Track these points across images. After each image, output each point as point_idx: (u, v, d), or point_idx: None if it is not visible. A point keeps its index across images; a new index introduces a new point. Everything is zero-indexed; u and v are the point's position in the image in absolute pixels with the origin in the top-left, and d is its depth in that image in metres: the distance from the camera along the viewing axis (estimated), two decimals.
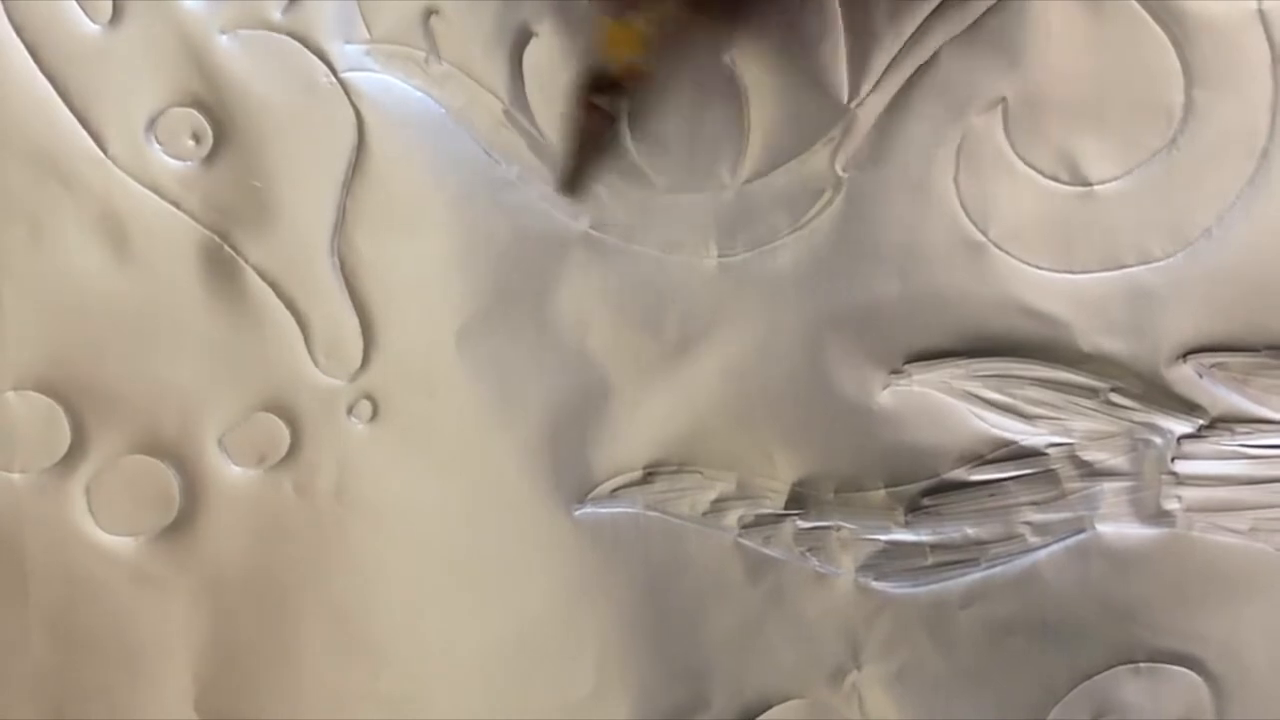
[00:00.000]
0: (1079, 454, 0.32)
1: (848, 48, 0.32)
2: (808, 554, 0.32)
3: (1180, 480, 0.32)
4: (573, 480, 0.32)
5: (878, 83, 0.32)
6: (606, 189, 0.32)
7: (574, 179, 0.31)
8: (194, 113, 0.31)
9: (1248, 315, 0.32)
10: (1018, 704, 0.33)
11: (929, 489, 0.32)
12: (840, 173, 0.32)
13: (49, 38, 0.31)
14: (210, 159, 0.31)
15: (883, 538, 0.32)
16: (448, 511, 0.32)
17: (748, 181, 0.32)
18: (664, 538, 0.32)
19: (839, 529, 0.32)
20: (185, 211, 0.31)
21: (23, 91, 0.31)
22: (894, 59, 0.32)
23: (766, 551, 0.32)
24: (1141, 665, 0.33)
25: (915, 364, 0.32)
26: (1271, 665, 0.33)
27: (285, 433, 0.32)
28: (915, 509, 0.32)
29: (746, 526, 0.32)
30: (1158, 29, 0.32)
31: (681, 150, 0.32)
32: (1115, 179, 0.32)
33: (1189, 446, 0.32)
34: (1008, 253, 0.32)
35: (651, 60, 0.29)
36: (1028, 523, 0.32)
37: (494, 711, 0.32)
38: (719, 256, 0.32)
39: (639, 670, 0.32)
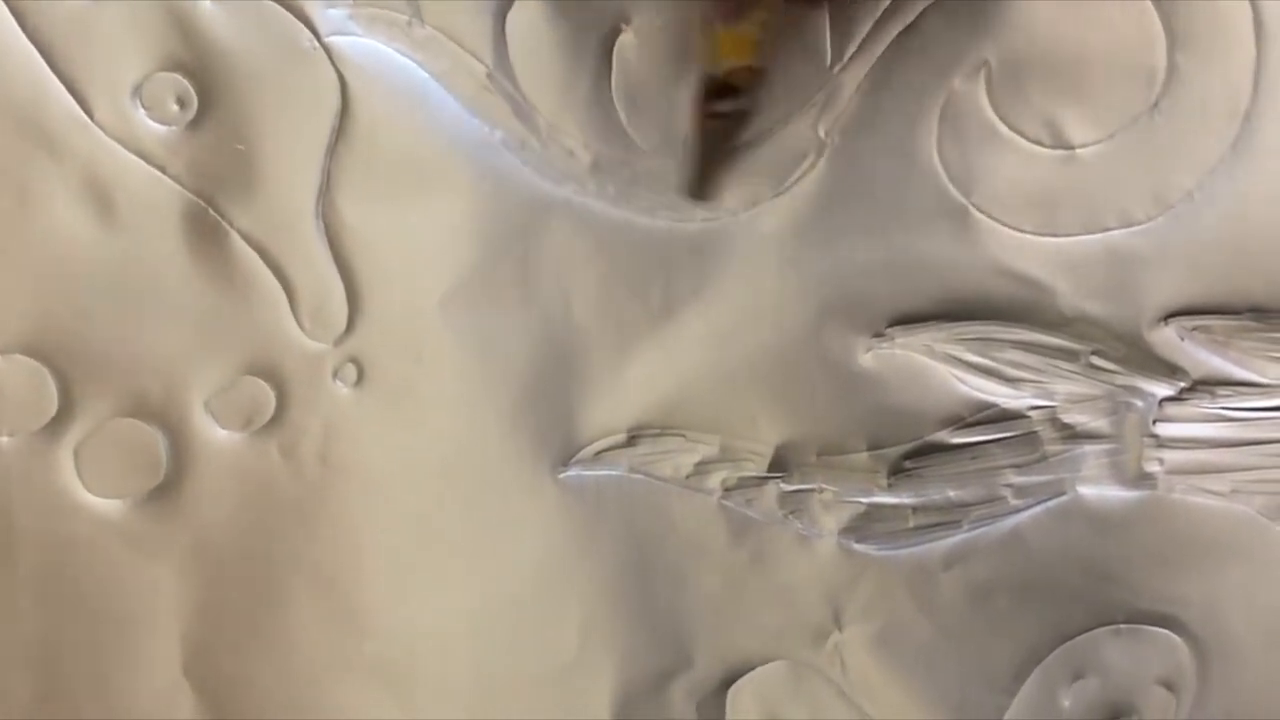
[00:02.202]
0: (1060, 417, 0.33)
1: (830, 13, 0.32)
2: (790, 516, 0.32)
3: (1161, 443, 0.33)
4: (557, 443, 0.32)
5: (860, 47, 0.32)
6: (590, 154, 0.32)
7: (705, 185, 0.31)
8: (178, 77, 0.31)
9: (1229, 278, 0.32)
10: (999, 665, 0.33)
11: (911, 452, 0.33)
12: (823, 137, 0.32)
13: (35, 3, 0.31)
14: (195, 123, 0.31)
15: (865, 500, 0.32)
16: (432, 475, 0.32)
17: (735, 145, 0.32)
18: (647, 500, 0.32)
19: (821, 491, 0.32)
20: (170, 176, 0.31)
21: (8, 57, 0.31)
22: (876, 23, 0.32)
23: (749, 514, 0.33)
24: (1122, 626, 0.33)
25: (898, 327, 0.32)
26: (1251, 626, 0.33)
27: (271, 396, 0.32)
28: (897, 472, 0.32)
29: (729, 489, 0.32)
30: None
31: (665, 114, 0.32)
32: (1097, 142, 0.32)
33: (1170, 409, 0.32)
34: (990, 216, 0.32)
35: (763, 58, 0.29)
36: (1009, 485, 0.32)
37: (479, 673, 0.32)
38: (703, 221, 0.32)
39: (622, 632, 0.32)
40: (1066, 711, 0.33)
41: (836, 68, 0.32)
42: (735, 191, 0.32)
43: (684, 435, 0.32)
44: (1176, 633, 0.33)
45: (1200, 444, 0.32)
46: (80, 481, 0.31)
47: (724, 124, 0.30)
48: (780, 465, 0.32)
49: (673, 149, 0.31)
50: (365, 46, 0.31)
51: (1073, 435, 0.32)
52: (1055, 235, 0.32)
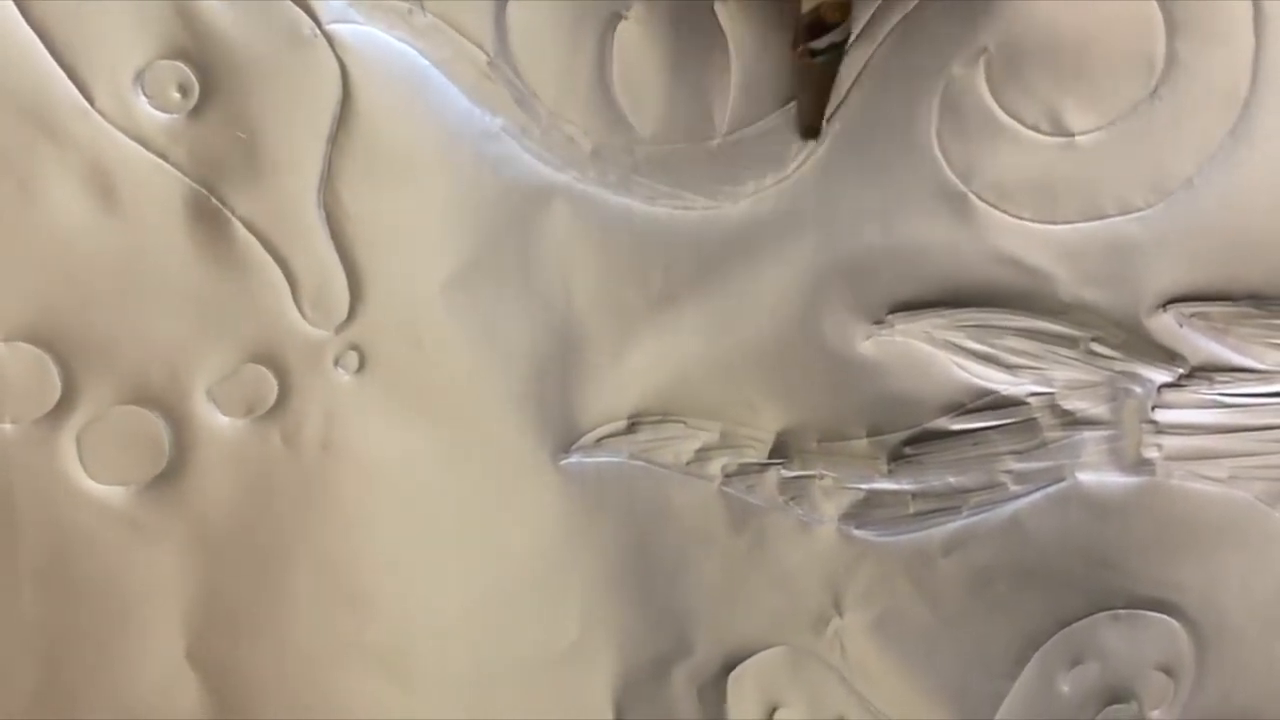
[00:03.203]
0: (1060, 403, 0.33)
1: None
2: (791, 503, 0.33)
3: (1160, 429, 0.33)
4: (558, 430, 0.32)
5: (860, 34, 0.32)
6: (591, 141, 0.32)
7: (813, 122, 0.31)
8: (180, 65, 0.31)
9: (1228, 265, 0.33)
10: (998, 650, 0.33)
11: (911, 438, 0.33)
12: (823, 124, 0.32)
13: None
14: (197, 111, 0.31)
15: (865, 486, 0.33)
16: (433, 461, 0.32)
17: (732, 133, 0.32)
18: (648, 487, 0.33)
19: (822, 478, 0.32)
20: (172, 164, 0.31)
21: (10, 44, 0.31)
22: (877, 11, 0.32)
23: (750, 500, 0.33)
24: (1121, 612, 0.33)
25: (898, 314, 0.32)
26: (1249, 611, 0.33)
27: (273, 383, 0.32)
28: (897, 458, 0.33)
29: (730, 475, 0.32)
30: None
31: (666, 101, 0.32)
32: (1097, 130, 0.32)
33: (1169, 395, 0.33)
34: (989, 203, 0.32)
35: None
36: (1009, 471, 0.33)
37: (479, 658, 0.33)
38: (704, 208, 0.32)
39: (623, 617, 0.33)
40: (1065, 696, 0.33)
41: None
42: (734, 180, 0.32)
43: (685, 422, 0.32)
44: (1175, 618, 0.33)
45: (1199, 430, 0.33)
46: (83, 468, 0.31)
47: (823, 59, 0.30)
48: (781, 452, 0.33)
49: (672, 134, 0.31)
50: (366, 34, 0.31)
51: (1072, 421, 0.33)
52: (1054, 222, 0.32)
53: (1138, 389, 0.32)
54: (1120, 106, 0.32)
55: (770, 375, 0.33)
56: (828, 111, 0.32)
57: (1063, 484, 0.33)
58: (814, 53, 0.29)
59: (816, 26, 0.29)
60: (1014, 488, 0.33)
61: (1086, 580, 0.33)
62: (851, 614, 0.33)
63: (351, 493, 0.32)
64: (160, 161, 0.31)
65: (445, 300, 0.32)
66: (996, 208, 0.32)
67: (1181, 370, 0.32)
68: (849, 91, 0.32)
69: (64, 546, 0.32)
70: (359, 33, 0.31)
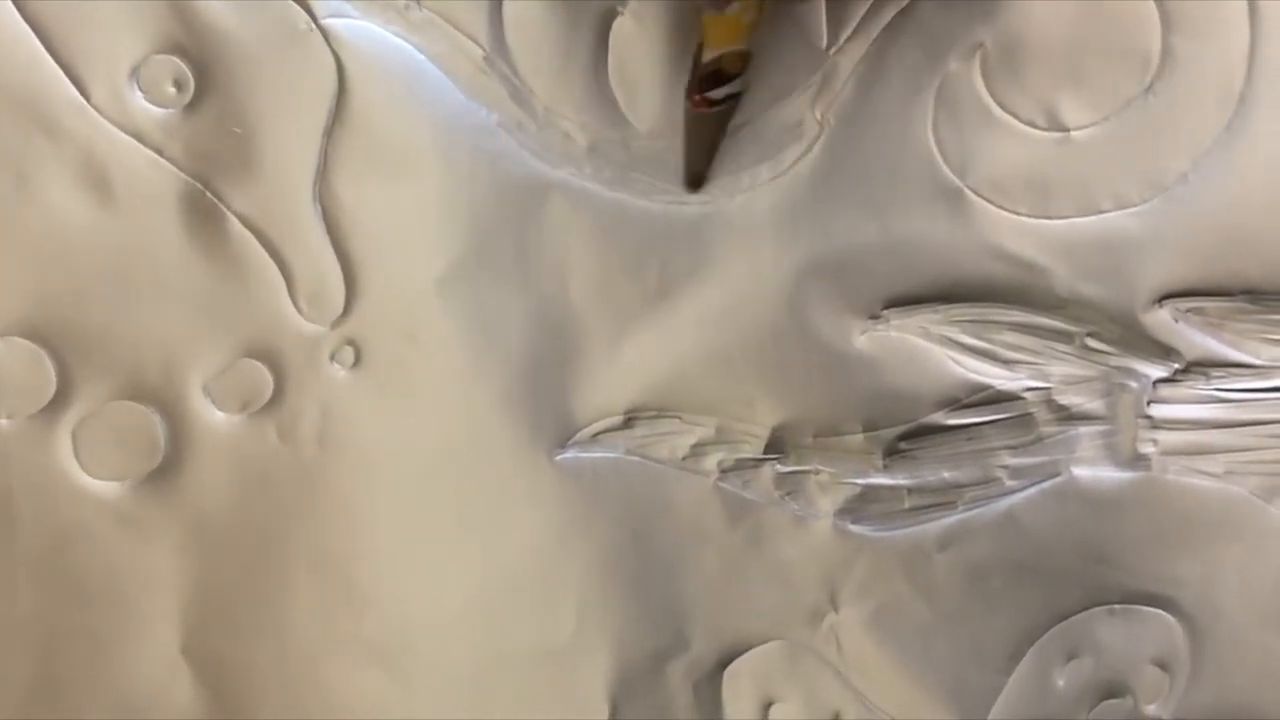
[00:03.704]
0: (1055, 398, 0.33)
1: None
2: (786, 498, 0.33)
3: (1156, 424, 0.33)
4: (554, 425, 0.32)
5: (856, 29, 0.32)
6: (587, 137, 0.32)
7: (699, 172, 0.32)
8: (176, 60, 0.31)
9: (1224, 260, 0.33)
10: (994, 645, 0.33)
11: (907, 433, 0.33)
12: (819, 120, 0.32)
13: None
14: (192, 106, 0.31)
15: (861, 481, 0.33)
16: (429, 457, 0.32)
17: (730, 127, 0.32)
18: (644, 482, 0.33)
19: (817, 473, 0.32)
20: (168, 159, 0.31)
21: (5, 40, 0.31)
22: (872, 6, 0.32)
23: (746, 495, 0.33)
24: (1116, 607, 0.33)
25: (893, 309, 0.32)
26: (1245, 606, 0.33)
27: (268, 379, 0.32)
28: (893, 453, 0.33)
29: (726, 471, 0.33)
30: None
31: (662, 97, 0.32)
32: (1092, 125, 0.32)
33: (1164, 390, 0.33)
34: (985, 199, 0.32)
35: (753, 42, 0.29)
36: (1004, 466, 0.33)
37: (476, 652, 0.33)
38: (699, 203, 0.32)
39: (619, 612, 0.33)
40: (1061, 691, 0.33)
41: (832, 50, 0.32)
42: (731, 175, 0.32)
43: (680, 417, 0.32)
44: (1170, 613, 0.33)
45: (1194, 425, 0.33)
46: (78, 464, 0.31)
47: (719, 110, 0.30)
48: (776, 447, 0.33)
49: (670, 134, 0.31)
50: (362, 29, 0.31)
51: (1068, 416, 0.33)
52: (1050, 218, 0.32)
53: (1133, 384, 0.33)
54: (1116, 102, 0.32)
55: (766, 370, 0.33)
56: (717, 163, 0.32)
57: (1058, 479, 0.33)
58: (710, 102, 0.30)
59: (716, 76, 0.29)
60: (1009, 483, 0.33)
61: (1082, 575, 0.33)
62: (847, 609, 0.33)
63: (347, 488, 0.32)
64: (156, 156, 0.31)
65: (441, 295, 0.32)
66: (992, 203, 0.32)
67: (1177, 365, 0.33)
68: (844, 86, 0.32)
69: (59, 541, 0.32)
70: (354, 27, 0.31)
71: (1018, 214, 0.32)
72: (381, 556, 0.32)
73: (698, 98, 0.30)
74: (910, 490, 0.33)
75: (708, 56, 0.29)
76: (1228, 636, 0.33)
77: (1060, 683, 0.33)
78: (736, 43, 0.29)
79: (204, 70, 0.31)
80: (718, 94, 0.30)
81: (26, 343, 0.31)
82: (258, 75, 0.31)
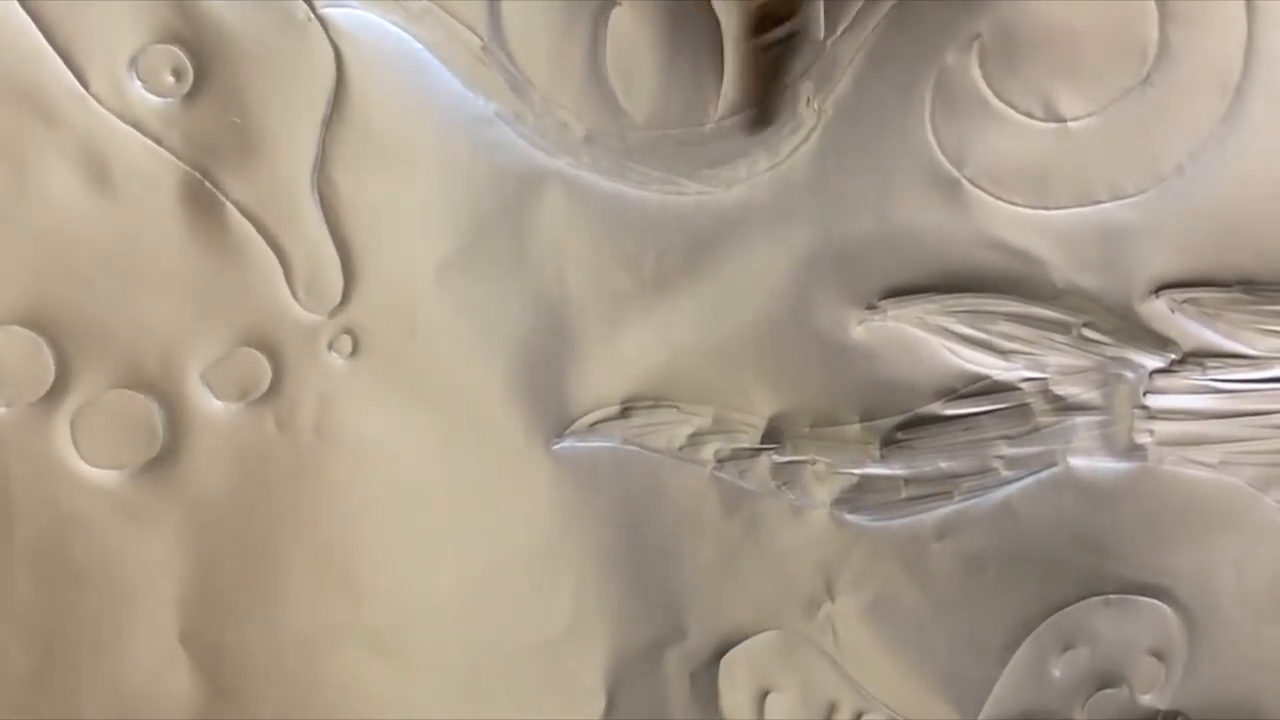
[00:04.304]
0: (1052, 388, 0.33)
1: None
2: (783, 487, 0.33)
3: (1152, 414, 0.33)
4: (551, 415, 0.32)
5: (854, 20, 0.32)
6: (585, 127, 0.32)
7: (766, 112, 0.32)
8: (175, 49, 0.31)
9: (1220, 251, 0.33)
10: (990, 635, 0.33)
11: (903, 423, 0.33)
12: (817, 110, 0.32)
13: None
14: (191, 96, 0.31)
15: (857, 471, 0.33)
16: (427, 446, 0.32)
17: (725, 119, 0.32)
18: (641, 472, 0.33)
19: (814, 463, 0.33)
20: (166, 148, 0.31)
21: (4, 29, 0.31)
22: None
23: (742, 485, 0.33)
24: (1112, 597, 0.33)
25: (890, 300, 0.32)
26: (1240, 596, 0.33)
27: (266, 368, 0.32)
28: (890, 443, 0.33)
29: (723, 460, 0.33)
30: None
31: (660, 87, 0.32)
32: (1089, 116, 0.32)
33: (1161, 381, 0.33)
34: (982, 189, 0.32)
35: None
36: (1001, 456, 0.33)
37: (473, 642, 0.33)
38: (696, 193, 0.32)
39: (616, 602, 0.33)
40: (1057, 681, 0.33)
41: (830, 40, 0.32)
42: (728, 165, 0.32)
43: (677, 407, 0.32)
44: (1166, 603, 0.33)
45: (1190, 415, 0.33)
46: (77, 452, 0.31)
47: (777, 51, 0.30)
48: (773, 437, 0.33)
49: (664, 121, 0.31)
50: (360, 19, 0.31)
51: (1064, 407, 0.33)
52: (1047, 208, 0.32)
53: (1130, 374, 0.33)
54: (1113, 93, 0.32)
55: (763, 360, 0.33)
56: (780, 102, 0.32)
57: (1054, 469, 0.33)
58: (766, 46, 0.30)
59: (768, 19, 0.30)
60: (1006, 473, 0.33)
61: (1078, 565, 0.33)
62: (844, 599, 0.33)
63: (345, 477, 0.32)
64: (155, 146, 0.31)
65: (439, 285, 0.32)
66: (989, 193, 0.32)
67: (1173, 356, 0.33)
68: (842, 77, 0.32)
69: (58, 530, 0.32)
70: (353, 17, 0.31)
71: (1014, 204, 0.32)
72: (378, 545, 0.32)
73: (756, 42, 0.30)
74: (907, 480, 0.33)
75: (758, 4, 0.29)
76: (1223, 626, 0.33)
77: (1056, 673, 0.33)
78: None
79: (203, 60, 0.31)
80: (773, 36, 0.30)
81: (25, 331, 0.31)
82: (256, 65, 0.31)
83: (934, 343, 0.33)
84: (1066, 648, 0.33)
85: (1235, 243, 0.33)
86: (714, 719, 0.33)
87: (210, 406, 0.32)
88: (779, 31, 0.30)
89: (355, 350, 0.32)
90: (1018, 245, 0.33)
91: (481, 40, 0.31)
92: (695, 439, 0.33)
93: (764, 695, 0.33)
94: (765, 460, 0.33)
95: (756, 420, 0.33)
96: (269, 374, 0.32)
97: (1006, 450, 0.33)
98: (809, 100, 0.32)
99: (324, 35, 0.31)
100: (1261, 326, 0.32)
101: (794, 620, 0.33)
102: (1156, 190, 0.32)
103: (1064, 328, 0.32)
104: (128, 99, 0.31)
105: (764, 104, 0.32)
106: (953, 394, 0.33)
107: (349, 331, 0.32)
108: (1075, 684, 0.34)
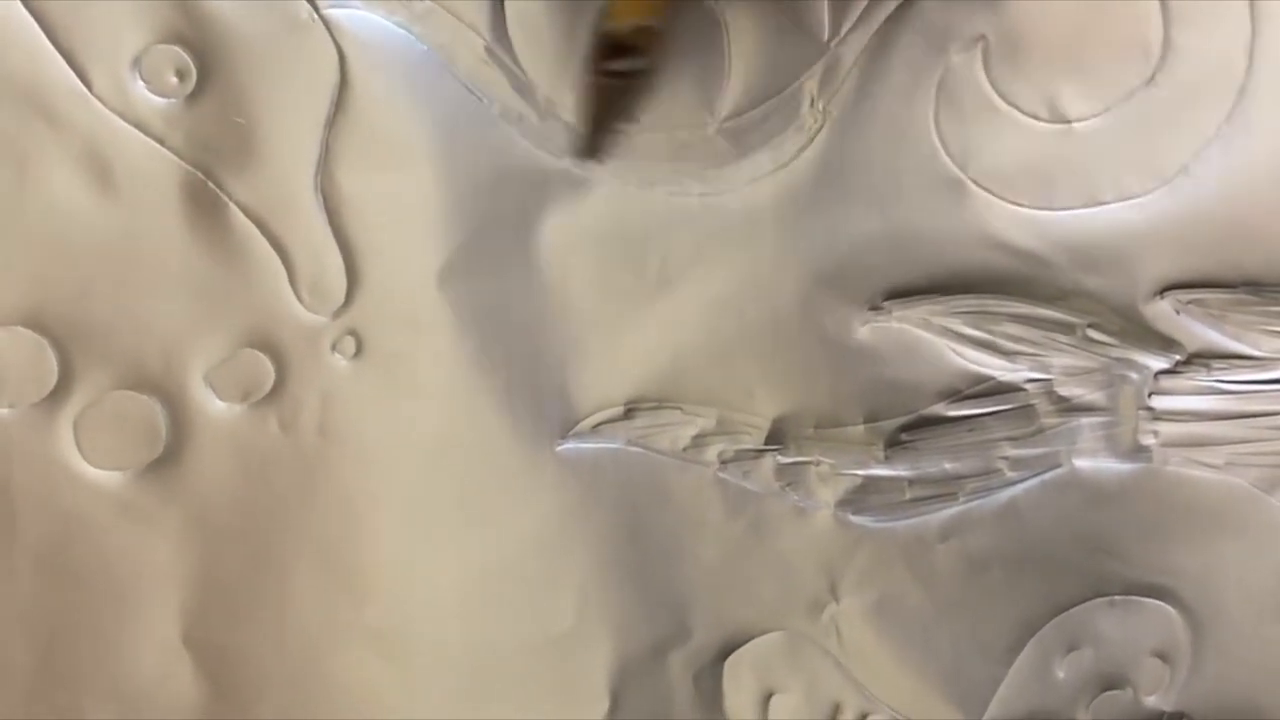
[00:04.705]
0: (1057, 389, 0.33)
1: None
2: (787, 489, 0.33)
3: (1157, 415, 0.33)
4: (555, 415, 0.32)
5: (858, 20, 0.32)
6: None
7: (594, 144, 0.31)
8: (178, 49, 0.31)
9: (1225, 252, 0.33)
10: (995, 636, 0.33)
11: (908, 424, 0.33)
12: (821, 111, 0.32)
13: None
14: (194, 96, 0.31)
15: (861, 472, 0.33)
16: (430, 447, 0.32)
17: (729, 119, 0.32)
18: (645, 473, 0.33)
19: (818, 464, 0.33)
20: (169, 148, 0.31)
21: (8, 29, 0.31)
22: None
23: (746, 486, 0.33)
24: (1117, 598, 0.33)
25: (895, 300, 0.32)
26: (1245, 597, 0.33)
27: (270, 368, 0.32)
28: (894, 444, 0.33)
29: (726, 461, 0.33)
30: None
31: (664, 88, 0.32)
32: (1094, 117, 0.32)
33: (1166, 382, 0.33)
34: (987, 190, 0.32)
35: (661, 19, 0.29)
36: (1005, 458, 0.33)
37: (477, 643, 0.33)
38: (700, 194, 0.32)
39: (620, 603, 0.33)
40: (1061, 682, 0.33)
41: (834, 41, 0.32)
42: (732, 166, 0.32)
43: (681, 408, 0.32)
44: (1171, 604, 0.33)
45: (1195, 417, 0.33)
46: (80, 453, 0.31)
47: (620, 83, 0.30)
48: (777, 438, 0.33)
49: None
50: (364, 19, 0.31)
51: (1069, 408, 0.33)
52: (1052, 209, 0.32)
53: (1135, 375, 0.33)
54: (1118, 94, 0.32)
55: (767, 361, 0.33)
56: (611, 136, 0.32)
57: (1059, 470, 0.33)
58: (610, 74, 0.29)
59: (620, 48, 0.29)
60: (1010, 474, 0.33)
61: (1083, 566, 0.33)
62: (848, 600, 0.33)
63: (348, 477, 0.32)
64: (157, 146, 0.31)
65: (442, 285, 0.32)
66: (994, 194, 0.32)
67: (1178, 357, 0.33)
68: (846, 78, 0.32)
69: (61, 531, 0.32)
70: (356, 17, 0.31)
71: (1019, 205, 0.32)
72: (382, 546, 0.32)
73: (598, 66, 0.29)
74: (911, 481, 0.33)
75: (611, 26, 0.28)
76: (1228, 628, 0.33)
77: (1060, 674, 0.33)
78: (643, 16, 0.28)
79: (206, 60, 0.31)
80: (619, 66, 0.29)
81: (28, 332, 0.31)
82: (260, 65, 0.31)
83: (938, 344, 0.33)
84: (1071, 649, 0.33)
85: (1241, 243, 0.33)
86: None
87: (213, 407, 0.32)
88: (624, 63, 0.29)
89: (358, 351, 0.32)
90: (1022, 246, 0.33)
91: (485, 41, 0.31)
92: (699, 440, 0.32)
93: (768, 696, 0.33)
94: (769, 461, 0.33)
95: (760, 421, 0.33)
96: (272, 375, 0.32)
97: (1011, 451, 0.33)
98: (813, 101, 0.32)
99: (327, 35, 0.31)
100: (1267, 328, 0.32)
101: (798, 621, 0.33)
102: (1161, 191, 0.32)
103: (1069, 329, 0.32)
104: (131, 99, 0.31)
105: (595, 136, 0.31)
106: (957, 395, 0.33)
107: (352, 332, 0.32)
108: (1080, 685, 0.34)
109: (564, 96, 0.32)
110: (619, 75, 0.30)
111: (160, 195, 0.31)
